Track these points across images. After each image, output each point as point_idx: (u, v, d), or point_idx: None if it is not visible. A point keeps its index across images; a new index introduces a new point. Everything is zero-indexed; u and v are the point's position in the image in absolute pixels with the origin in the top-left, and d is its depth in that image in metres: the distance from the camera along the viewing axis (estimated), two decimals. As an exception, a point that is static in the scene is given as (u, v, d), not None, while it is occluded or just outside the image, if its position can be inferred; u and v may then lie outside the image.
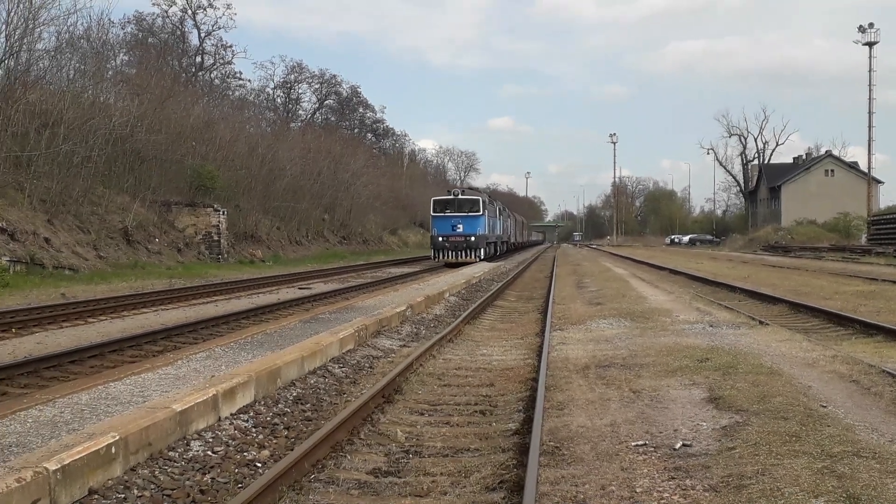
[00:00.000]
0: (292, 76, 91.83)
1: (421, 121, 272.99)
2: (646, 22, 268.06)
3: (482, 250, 45.39)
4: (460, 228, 44.60)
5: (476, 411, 9.07)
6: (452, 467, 6.87)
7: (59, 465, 5.60)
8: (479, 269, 35.38)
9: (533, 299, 24.14)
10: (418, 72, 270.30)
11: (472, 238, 44.61)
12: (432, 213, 46.51)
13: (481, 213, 45.27)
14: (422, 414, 8.97)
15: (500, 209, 60.00)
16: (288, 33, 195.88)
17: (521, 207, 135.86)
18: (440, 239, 45.00)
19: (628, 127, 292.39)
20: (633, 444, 7.15)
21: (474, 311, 18.91)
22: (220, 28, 76.44)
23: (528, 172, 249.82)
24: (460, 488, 6.35)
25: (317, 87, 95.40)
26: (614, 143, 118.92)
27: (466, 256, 44.46)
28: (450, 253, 44.74)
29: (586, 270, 39.62)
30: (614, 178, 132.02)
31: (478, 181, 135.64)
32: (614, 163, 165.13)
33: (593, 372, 10.80)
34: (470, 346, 14.13)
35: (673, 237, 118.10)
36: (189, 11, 75.07)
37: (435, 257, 45.59)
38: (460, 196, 46.55)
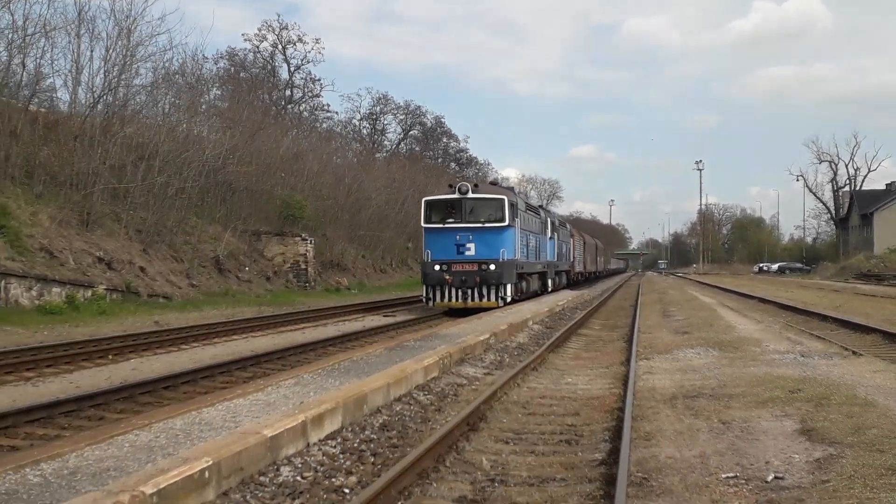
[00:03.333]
0: (378, 108, 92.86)
1: (504, 150, 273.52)
2: (732, 49, 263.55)
3: (509, 287, 27.53)
4: (471, 250, 27.07)
5: (562, 440, 8.98)
6: (539, 497, 6.80)
7: (156, 490, 5.69)
8: (561, 298, 35.00)
9: (618, 328, 23.85)
10: (502, 102, 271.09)
11: (492, 267, 26.86)
12: (424, 225, 28.10)
13: (507, 223, 27.33)
14: (507, 442, 8.91)
15: (555, 223, 41.44)
16: (374, 66, 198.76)
17: (605, 235, 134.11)
18: (436, 268, 26.99)
19: (715, 154, 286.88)
20: (723, 475, 7.01)
21: (558, 339, 18.76)
22: (308, 62, 77.85)
23: (611, 200, 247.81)
24: (547, 518, 6.29)
25: (402, 117, 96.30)
26: (700, 171, 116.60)
27: (481, 297, 27.15)
28: (453, 292, 27.19)
29: (672, 299, 39.02)
30: (700, 205, 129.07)
31: (560, 209, 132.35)
32: (700, 190, 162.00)
33: (681, 402, 10.62)
34: (554, 375, 14.01)
35: (761, 265, 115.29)
36: (279, 46, 76.76)
37: (428, 298, 27.58)
38: (470, 195, 27.51)
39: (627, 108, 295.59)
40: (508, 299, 27.53)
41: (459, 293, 27.24)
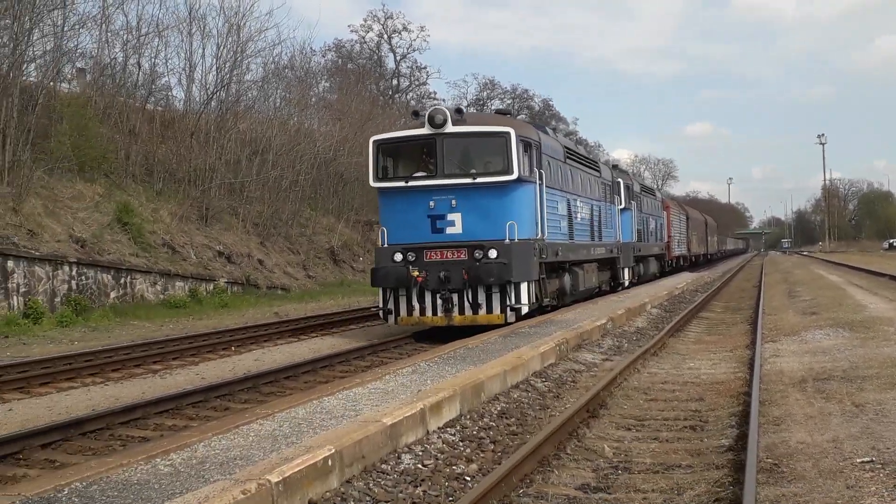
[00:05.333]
0: (485, 93, 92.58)
1: (614, 131, 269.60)
2: (849, 17, 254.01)
3: (524, 288, 16.51)
4: (455, 226, 16.52)
5: (686, 426, 8.83)
6: (664, 484, 6.69)
7: (281, 478, 5.78)
8: (681, 280, 34.10)
9: (741, 310, 23.32)
10: (611, 81, 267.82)
11: (492, 253, 15.97)
12: (374, 184, 17.50)
13: (516, 175, 16.32)
14: (629, 429, 8.81)
15: (630, 188, 29.79)
16: (479, 52, 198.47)
17: (724, 214, 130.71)
18: (395, 258, 16.38)
19: (836, 128, 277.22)
20: (858, 460, 6.76)
21: (678, 322, 18.47)
22: (414, 50, 78.20)
23: (729, 178, 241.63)
24: (673, 506, 6.19)
25: (509, 102, 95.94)
26: (823, 145, 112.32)
27: (476, 308, 16.39)
28: (427, 299, 16.44)
29: (798, 278, 37.91)
30: (824, 181, 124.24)
31: (676, 189, 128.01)
32: (823, 165, 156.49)
33: (811, 385, 10.31)
34: (676, 360, 13.80)
35: (891, 241, 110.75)
36: (385, 36, 77.36)
37: (386, 310, 16.81)
38: (451, 129, 16.33)
39: (742, 82, 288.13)
40: (524, 308, 16.27)
41: (438, 301, 16.12)
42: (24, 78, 26.48)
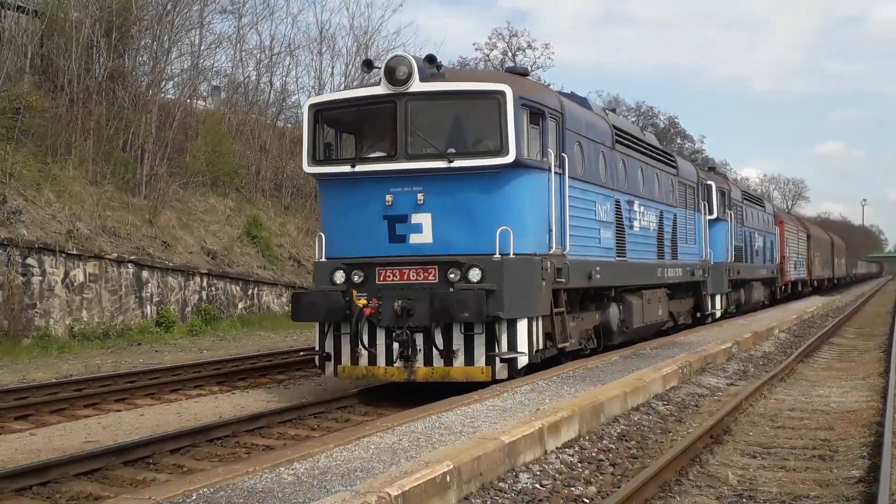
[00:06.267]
0: (608, 109, 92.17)
1: (743, 149, 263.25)
2: None
3: (522, 329, 10.83)
4: (422, 231, 10.92)
5: (814, 456, 8.59)
6: (791, 515, 6.50)
7: (400, 492, 5.83)
8: (811, 304, 32.78)
9: (874, 336, 22.46)
10: (739, 99, 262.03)
11: (473, 274, 10.52)
12: (308, 168, 12.00)
13: (512, 158, 10.68)
14: (754, 457, 8.61)
15: (725, 192, 23.71)
16: (604, 69, 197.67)
17: (856, 237, 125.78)
18: (336, 278, 11.11)
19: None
20: None
21: (807, 348, 17.92)
22: (538, 68, 78.25)
23: (863, 200, 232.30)
24: (801, 540, 6.00)
25: (633, 119, 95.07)
26: None
27: (449, 357, 10.74)
28: (380, 340, 10.95)
29: (937, 305, 36.22)
30: None
31: (807, 210, 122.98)
32: None
33: (949, 417, 9.81)
34: (804, 386, 13.42)
35: None
36: (509, 54, 77.66)
37: (322, 353, 11.46)
38: (417, 86, 10.71)
39: (876, 101, 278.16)
40: (522, 359, 11.06)
41: (394, 345, 10.92)
42: (162, 95, 27.74)
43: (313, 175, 12.51)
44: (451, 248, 10.77)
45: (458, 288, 10.37)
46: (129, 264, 21.12)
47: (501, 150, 10.63)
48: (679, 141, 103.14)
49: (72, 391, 12.63)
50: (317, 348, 11.59)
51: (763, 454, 8.69)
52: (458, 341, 10.71)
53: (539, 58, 78.08)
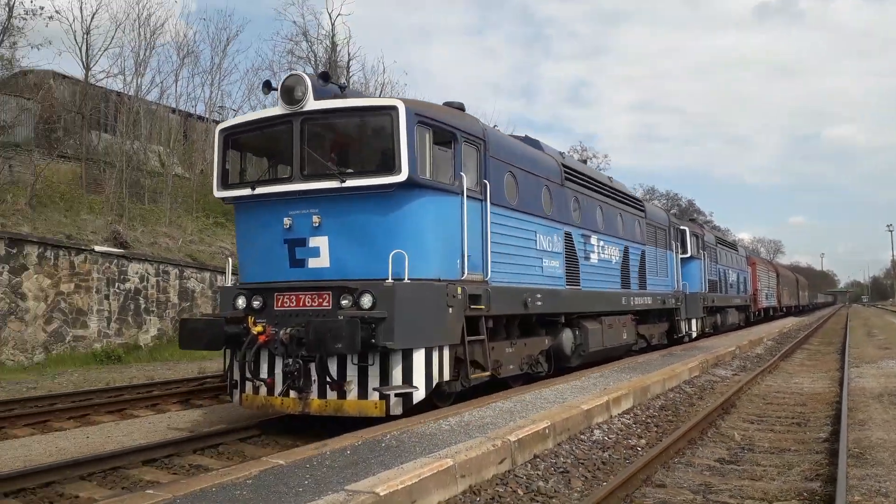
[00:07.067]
0: (646, 196, 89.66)
1: (739, 220, 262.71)
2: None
3: (425, 361, 7.07)
4: (320, 256, 7.24)
5: (793, 423, 8.47)
6: (778, 462, 6.54)
7: (517, 439, 6.00)
8: (788, 322, 31.23)
9: (832, 343, 21.49)
10: (736, 187, 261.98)
11: (364, 300, 6.84)
12: (220, 194, 8.11)
13: (403, 174, 7.05)
14: (752, 423, 8.54)
15: (699, 238, 20.09)
16: (644, 169, 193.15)
17: (817, 278, 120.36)
18: (237, 302, 7.61)
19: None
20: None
21: (787, 351, 17.34)
22: (600, 169, 76.77)
23: (822, 253, 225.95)
24: (785, 477, 6.04)
25: (664, 202, 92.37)
26: (891, 231, 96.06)
27: (343, 389, 6.98)
28: (276, 368, 7.28)
29: (874, 324, 34.37)
30: (893, 256, 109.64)
31: (783, 260, 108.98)
32: (892, 245, 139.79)
33: (887, 398, 9.62)
34: (785, 377, 13.07)
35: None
36: (585, 162, 76.32)
37: (231, 381, 7.72)
38: (311, 105, 7.31)
39: (829, 188, 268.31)
40: (418, 394, 7.12)
41: (283, 375, 7.26)
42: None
43: (222, 199, 8.34)
44: (347, 272, 7.21)
45: (347, 315, 6.69)
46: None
47: (394, 168, 7.08)
48: (695, 215, 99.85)
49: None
50: (226, 375, 7.94)
51: (758, 421, 8.61)
52: (351, 372, 7.07)
53: (601, 163, 76.35)
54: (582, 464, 6.28)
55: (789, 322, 32.13)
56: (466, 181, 7.92)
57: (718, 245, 23.61)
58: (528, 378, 9.83)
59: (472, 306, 7.77)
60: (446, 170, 7.76)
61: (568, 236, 10.83)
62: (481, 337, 8.10)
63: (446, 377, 7.47)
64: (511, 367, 9.06)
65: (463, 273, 7.79)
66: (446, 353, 7.47)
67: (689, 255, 18.47)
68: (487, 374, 8.17)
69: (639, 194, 79.20)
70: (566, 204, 10.90)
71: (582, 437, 7.09)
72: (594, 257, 11.89)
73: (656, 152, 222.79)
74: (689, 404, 9.77)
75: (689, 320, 17.94)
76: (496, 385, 8.99)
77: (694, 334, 18.38)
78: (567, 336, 10.74)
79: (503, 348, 8.86)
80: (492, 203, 8.38)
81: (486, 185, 8.31)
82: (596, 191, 12.43)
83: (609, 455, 6.66)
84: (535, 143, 11.01)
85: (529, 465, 5.94)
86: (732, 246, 27.55)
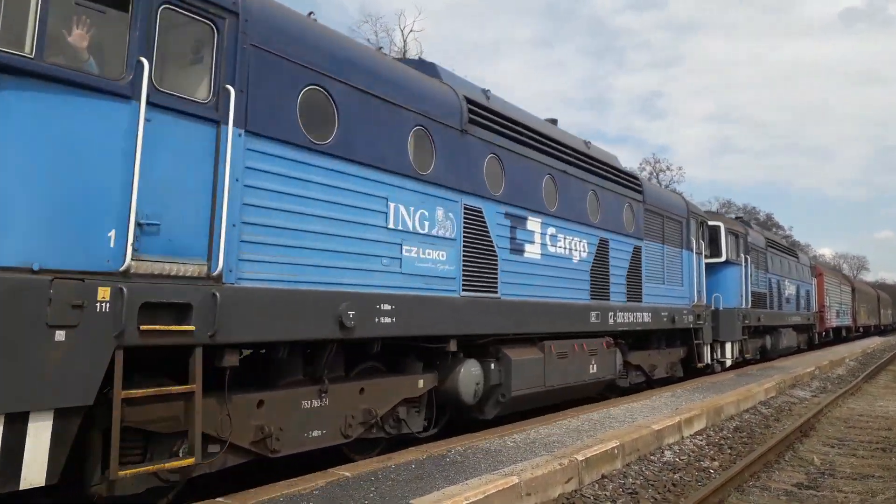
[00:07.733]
0: (723, 210, 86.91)
1: (820, 235, 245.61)
2: None
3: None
4: None
5: (878, 448, 8.09)
6: (860, 488, 6.26)
7: (584, 458, 6.00)
8: (873, 342, 29.41)
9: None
10: (816, 200, 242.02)
11: None
12: None
13: None
14: (832, 447, 8.21)
15: (734, 235, 15.38)
16: (719, 182, 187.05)
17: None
18: None
19: None
20: None
21: (871, 372, 16.47)
22: (673, 182, 74.90)
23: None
24: (868, 504, 5.82)
25: (741, 216, 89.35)
26: None
27: None
28: None
29: None
30: None
31: (868, 277, 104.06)
32: None
33: None
34: (869, 399, 12.47)
35: None
36: (655, 174, 74.75)
37: None
38: None
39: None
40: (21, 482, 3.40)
41: None
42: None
43: None
44: None
45: None
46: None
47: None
48: (774, 230, 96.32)
49: None
50: None
51: (839, 445, 8.28)
52: None
53: (675, 176, 74.47)
54: (652, 485, 6.21)
55: (874, 341, 30.43)
56: (164, 78, 4.43)
57: (769, 249, 18.69)
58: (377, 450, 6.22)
59: (158, 326, 4.18)
60: (118, 52, 4.20)
61: (473, 213, 7.18)
62: (192, 387, 4.35)
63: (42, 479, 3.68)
64: (316, 433, 5.41)
65: (125, 256, 4.05)
66: (43, 429, 3.69)
67: (723, 258, 14.68)
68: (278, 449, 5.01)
69: (714, 208, 75.83)
70: (473, 162, 7.25)
71: (652, 457, 7.02)
72: (534, 250, 8.14)
73: (732, 165, 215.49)
74: (764, 426, 9.48)
75: (722, 344, 14.23)
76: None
77: (728, 363, 14.44)
78: (468, 373, 7.06)
79: (289, 406, 5.25)
80: (249, 131, 4.91)
81: (229, 93, 4.75)
82: (544, 151, 8.48)
83: (680, 477, 6.54)
84: (430, 68, 7.50)
85: (597, 485, 5.92)
86: (790, 251, 22.23)
